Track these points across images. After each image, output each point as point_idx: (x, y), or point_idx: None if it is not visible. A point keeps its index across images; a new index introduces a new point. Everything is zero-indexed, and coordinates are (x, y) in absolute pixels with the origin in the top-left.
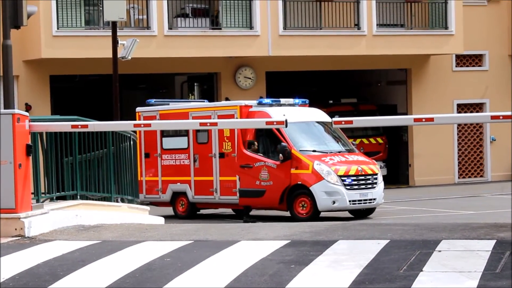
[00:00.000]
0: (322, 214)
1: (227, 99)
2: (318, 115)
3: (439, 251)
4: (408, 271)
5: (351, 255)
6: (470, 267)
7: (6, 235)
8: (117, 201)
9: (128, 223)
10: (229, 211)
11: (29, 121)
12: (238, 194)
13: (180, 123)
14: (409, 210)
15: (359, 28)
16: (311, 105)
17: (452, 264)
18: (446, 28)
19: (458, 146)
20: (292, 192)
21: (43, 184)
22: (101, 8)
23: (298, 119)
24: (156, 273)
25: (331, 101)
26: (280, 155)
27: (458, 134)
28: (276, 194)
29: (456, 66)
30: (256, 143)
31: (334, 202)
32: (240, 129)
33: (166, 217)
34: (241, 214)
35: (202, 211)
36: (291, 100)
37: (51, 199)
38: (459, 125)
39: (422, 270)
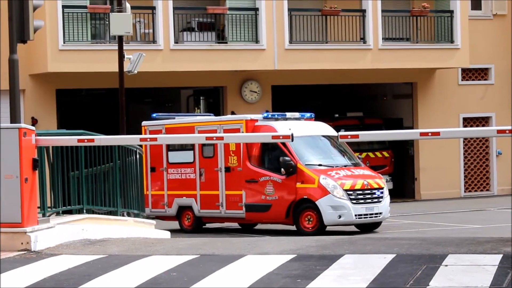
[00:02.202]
0: (328, 228)
1: (233, 113)
2: (324, 129)
3: (446, 265)
4: (415, 285)
5: (357, 269)
6: (477, 282)
7: (12, 249)
8: (123, 215)
9: (134, 237)
10: (235, 225)
11: (35, 135)
12: (244, 209)
13: (187, 137)
14: (415, 224)
15: (364, 42)
16: (316, 119)
17: (458, 278)
18: (452, 42)
19: (464, 160)
20: (298, 206)
21: (49, 198)
22: (107, 23)
23: (304, 133)
24: (162, 287)
25: (336, 115)
26: (282, 169)
27: (464, 148)
28: (282, 209)
29: (462, 80)
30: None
31: (340, 216)
32: (245, 144)
33: (172, 231)
34: (247, 228)
35: (208, 225)
36: (297, 114)
37: (57, 213)
38: (465, 139)
39: (428, 285)
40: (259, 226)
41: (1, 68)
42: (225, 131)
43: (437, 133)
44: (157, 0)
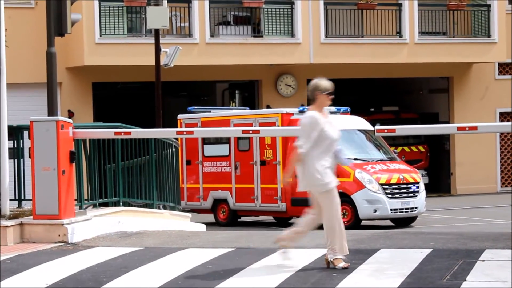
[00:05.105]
0: (363, 223)
1: (268, 106)
2: (360, 123)
3: (483, 260)
4: (451, 280)
5: (393, 264)
6: None
7: (50, 241)
8: (159, 208)
9: (170, 230)
10: (270, 218)
11: (72, 128)
12: (290, 203)
13: (223, 130)
14: (451, 219)
15: (401, 36)
16: (352, 113)
17: (495, 274)
18: (489, 36)
19: (500, 155)
20: None
21: (86, 190)
22: (143, 16)
23: (340, 127)
24: (198, 280)
25: (372, 109)
26: None
27: (500, 142)
28: None
29: (498, 74)
30: None
31: (375, 211)
32: (292, 139)
33: (207, 224)
34: (282, 222)
35: (243, 219)
36: (332, 108)
37: (94, 206)
38: (501, 133)
39: (465, 280)
40: (294, 220)
41: (38, 61)
42: (261, 124)
43: (475, 128)
44: None
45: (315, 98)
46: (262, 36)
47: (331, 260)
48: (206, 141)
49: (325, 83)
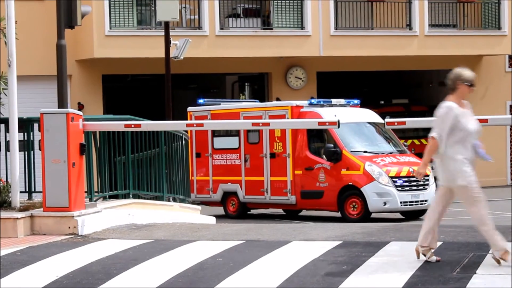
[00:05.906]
0: (373, 215)
1: (278, 99)
2: (370, 115)
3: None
4: (462, 273)
5: (403, 256)
6: None
7: (60, 233)
8: (169, 200)
9: (180, 223)
10: (279, 211)
11: (83, 120)
12: (299, 196)
13: (233, 123)
14: (461, 212)
15: (410, 29)
16: (362, 105)
17: (506, 266)
18: (499, 28)
19: (511, 148)
20: (343, 193)
21: (96, 183)
22: (153, 8)
23: (350, 120)
24: (208, 272)
25: (382, 102)
26: (324, 156)
27: (511, 135)
28: (332, 195)
29: (509, 67)
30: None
31: (385, 203)
32: (303, 132)
33: (217, 217)
34: (292, 214)
35: (253, 211)
36: (342, 101)
37: (104, 198)
38: (511, 126)
39: (475, 273)
40: (304, 213)
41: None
42: (271, 117)
43: (485, 120)
44: None
45: (455, 87)
46: (271, 29)
47: (498, 258)
48: (216, 133)
49: (468, 73)
